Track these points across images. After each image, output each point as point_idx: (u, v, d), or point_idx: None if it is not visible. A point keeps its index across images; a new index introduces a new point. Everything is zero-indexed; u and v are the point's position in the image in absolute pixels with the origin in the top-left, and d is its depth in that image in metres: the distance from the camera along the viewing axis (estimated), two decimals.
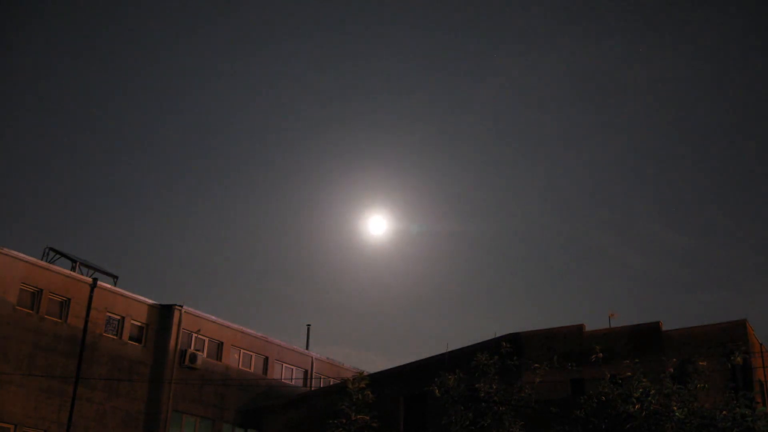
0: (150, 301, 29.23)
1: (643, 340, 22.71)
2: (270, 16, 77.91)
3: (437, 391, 20.62)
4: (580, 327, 24.07)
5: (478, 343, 24.78)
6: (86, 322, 26.49)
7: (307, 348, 37.30)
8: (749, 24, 75.47)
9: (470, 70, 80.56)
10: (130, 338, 28.29)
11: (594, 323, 24.54)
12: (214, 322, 31.32)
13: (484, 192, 78.74)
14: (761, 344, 22.66)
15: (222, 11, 76.08)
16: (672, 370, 19.19)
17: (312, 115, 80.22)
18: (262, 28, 79.20)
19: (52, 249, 28.44)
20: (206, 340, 30.89)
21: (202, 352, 30.27)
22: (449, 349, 25.67)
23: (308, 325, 39.17)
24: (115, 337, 27.68)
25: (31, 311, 25.06)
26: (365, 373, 25.17)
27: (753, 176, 75.84)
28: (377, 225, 63.68)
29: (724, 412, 17.30)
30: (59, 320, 25.86)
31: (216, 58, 78.24)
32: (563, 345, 23.77)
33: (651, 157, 78.61)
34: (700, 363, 18.99)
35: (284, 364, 34.56)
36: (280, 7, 76.97)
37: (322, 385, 34.98)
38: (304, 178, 77.51)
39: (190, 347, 29.79)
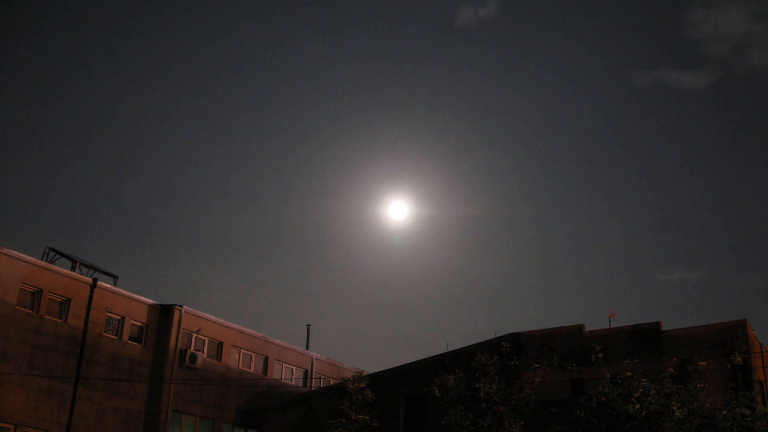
0: (150, 301, 29.24)
1: (643, 340, 22.69)
2: (288, 5, 77.60)
3: (437, 391, 20.62)
4: (580, 327, 24.05)
5: (478, 343, 24.76)
6: (86, 322, 26.50)
7: (307, 348, 37.31)
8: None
9: (489, 56, 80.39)
10: (130, 338, 28.30)
11: (594, 323, 24.51)
12: (214, 322, 31.33)
13: (494, 180, 78.16)
14: (761, 344, 22.65)
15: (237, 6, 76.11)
16: (672, 370, 19.19)
17: (320, 102, 79.96)
18: (276, 18, 79.19)
19: (52, 249, 28.45)
20: (206, 340, 30.89)
21: (202, 352, 30.28)
22: (449, 349, 25.67)
23: (308, 325, 39.24)
24: (115, 337, 27.69)
25: (31, 311, 25.07)
26: (365, 373, 25.17)
27: (752, 175, 75.87)
28: (398, 210, 62.56)
29: (724, 412, 17.30)
30: (59, 320, 25.86)
31: (218, 54, 78.26)
32: (563, 345, 23.75)
33: (652, 157, 78.66)
34: (700, 363, 18.99)
35: (284, 364, 34.57)
36: None
37: (322, 385, 34.99)
38: (313, 170, 77.16)
39: (190, 347, 29.79)
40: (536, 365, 21.05)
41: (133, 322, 28.44)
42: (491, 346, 22.95)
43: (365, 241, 71.37)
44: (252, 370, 32.70)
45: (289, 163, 79.67)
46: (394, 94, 79.84)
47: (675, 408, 17.61)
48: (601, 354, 20.10)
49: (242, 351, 32.45)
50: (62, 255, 28.51)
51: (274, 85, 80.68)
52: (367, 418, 22.60)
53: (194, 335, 30.30)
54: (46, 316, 25.46)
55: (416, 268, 74.82)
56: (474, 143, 79.94)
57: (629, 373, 18.65)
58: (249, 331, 32.94)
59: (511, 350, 21.72)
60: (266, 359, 33.52)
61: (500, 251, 79.27)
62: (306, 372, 35.53)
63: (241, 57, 78.71)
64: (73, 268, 28.15)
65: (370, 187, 71.18)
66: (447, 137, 78.64)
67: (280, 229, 77.76)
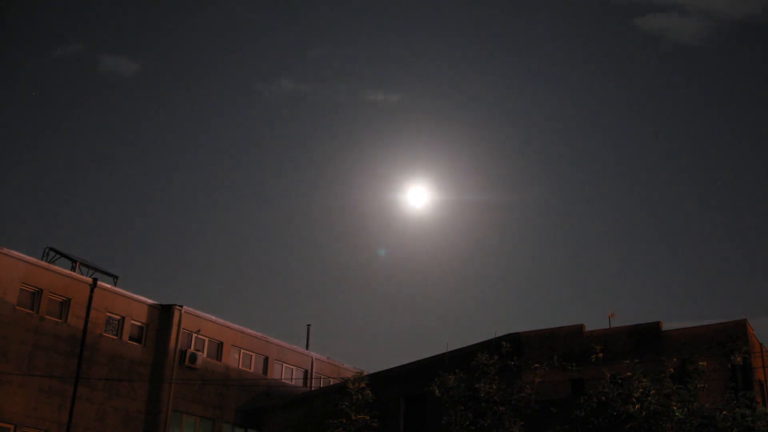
0: (150, 301, 29.23)
1: (643, 340, 22.69)
2: None
3: (437, 391, 20.61)
4: (580, 327, 24.05)
5: (478, 343, 24.76)
6: (86, 322, 26.49)
7: (307, 348, 37.30)
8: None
9: (510, 42, 79.89)
10: (130, 338, 28.29)
11: (594, 323, 24.54)
12: (214, 322, 31.32)
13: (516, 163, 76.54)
14: (761, 344, 22.65)
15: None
16: (672, 370, 19.18)
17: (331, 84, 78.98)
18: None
19: (52, 249, 28.44)
20: (206, 340, 30.88)
21: (202, 352, 30.27)
22: (449, 349, 25.67)
23: (308, 325, 39.25)
24: (115, 337, 27.68)
25: (31, 311, 25.06)
26: (365, 373, 25.16)
27: (752, 174, 75.83)
28: (419, 196, 60.26)
29: (724, 412, 17.30)
30: (59, 320, 25.85)
31: (218, 48, 78.19)
32: (563, 345, 23.75)
33: (652, 157, 78.59)
34: (700, 363, 18.98)
35: (284, 364, 34.56)
36: None
37: (322, 385, 34.98)
38: (320, 160, 76.21)
39: (190, 347, 29.79)
40: (536, 365, 21.04)
41: (133, 322, 28.43)
42: (491, 346, 22.94)
43: (375, 235, 70.95)
44: (252, 370, 32.69)
45: (292, 156, 79.53)
46: (411, 73, 78.75)
47: (675, 408, 17.60)
48: (601, 354, 20.08)
49: (242, 351, 32.44)
50: (62, 255, 28.51)
51: (276, 74, 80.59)
52: (367, 418, 22.60)
53: (194, 335, 30.29)
54: (46, 316, 25.45)
55: (414, 269, 74.74)
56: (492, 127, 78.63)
57: (629, 373, 18.64)
58: (249, 331, 32.93)
59: (511, 350, 21.71)
60: (266, 359, 33.51)
61: (500, 251, 79.24)
62: (306, 372, 35.51)
63: (242, 47, 78.68)
64: (73, 268, 28.15)
65: (388, 172, 69.55)
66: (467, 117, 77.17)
67: (281, 227, 77.72)
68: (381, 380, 26.31)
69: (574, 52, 78.16)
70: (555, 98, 78.55)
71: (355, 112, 79.02)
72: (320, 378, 36.27)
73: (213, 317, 31.31)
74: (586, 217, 79.71)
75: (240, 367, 32.15)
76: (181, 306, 29.61)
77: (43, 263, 26.02)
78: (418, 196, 60.25)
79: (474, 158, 74.81)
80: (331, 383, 34.59)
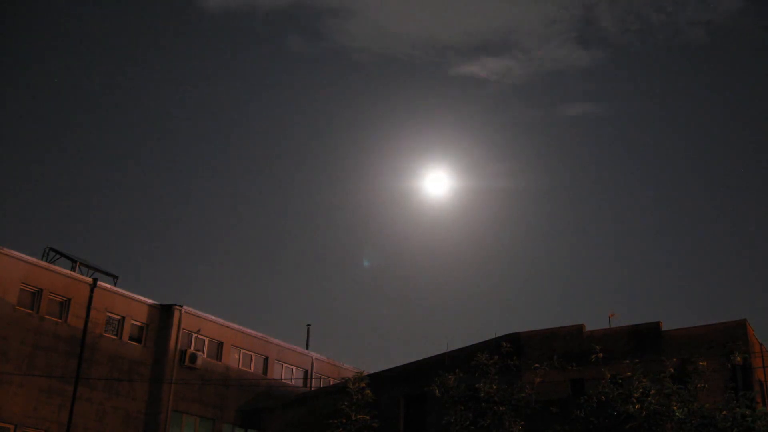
0: (150, 301, 29.24)
1: (643, 340, 22.70)
2: None
3: (437, 391, 20.64)
4: (580, 327, 24.06)
5: (478, 343, 24.77)
6: (86, 322, 26.50)
7: (307, 348, 37.31)
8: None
9: (531, 33, 79.45)
10: (130, 338, 28.30)
11: (594, 323, 24.52)
12: (214, 322, 31.33)
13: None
14: (761, 344, 22.66)
15: None
16: (672, 370, 19.19)
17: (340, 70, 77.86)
18: None
19: (52, 249, 28.47)
20: (206, 340, 30.89)
21: (202, 352, 30.28)
22: (449, 349, 25.68)
23: (308, 325, 39.25)
24: (115, 337, 27.69)
25: (31, 311, 25.07)
26: (365, 373, 25.17)
27: (753, 173, 75.87)
28: (439, 183, 57.24)
29: (724, 412, 17.31)
30: (59, 320, 25.87)
31: (219, 42, 78.18)
32: (563, 345, 23.75)
33: (652, 155, 78.64)
34: (700, 363, 19.00)
35: (284, 364, 34.57)
36: None
37: (322, 385, 34.99)
38: (324, 150, 75.05)
39: (190, 347, 29.80)
40: (536, 365, 21.06)
41: (133, 322, 28.44)
42: (491, 346, 22.96)
43: (376, 234, 70.72)
44: (252, 370, 32.70)
45: (293, 154, 79.52)
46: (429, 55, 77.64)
47: (675, 408, 17.63)
48: (601, 354, 20.10)
49: (242, 351, 32.45)
50: (62, 255, 28.53)
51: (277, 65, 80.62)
52: (367, 418, 22.59)
53: (194, 335, 30.30)
54: (46, 316, 25.46)
55: (413, 270, 74.74)
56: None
57: (629, 373, 18.66)
58: (249, 331, 32.94)
59: (511, 350, 21.73)
60: (266, 359, 33.52)
61: (499, 251, 79.26)
62: (306, 372, 35.53)
63: (244, 39, 78.66)
64: (73, 268, 28.16)
65: (405, 159, 67.97)
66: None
67: (281, 226, 77.72)
68: (381, 380, 26.32)
69: (591, 40, 78.18)
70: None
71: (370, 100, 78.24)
72: (320, 378, 36.29)
73: (213, 317, 31.33)
74: (585, 217, 79.76)
75: (240, 367, 32.16)
76: (181, 306, 29.63)
77: (43, 263, 26.04)
78: (438, 182, 58.07)
79: (480, 146, 73.32)
80: (331, 383, 34.61)
